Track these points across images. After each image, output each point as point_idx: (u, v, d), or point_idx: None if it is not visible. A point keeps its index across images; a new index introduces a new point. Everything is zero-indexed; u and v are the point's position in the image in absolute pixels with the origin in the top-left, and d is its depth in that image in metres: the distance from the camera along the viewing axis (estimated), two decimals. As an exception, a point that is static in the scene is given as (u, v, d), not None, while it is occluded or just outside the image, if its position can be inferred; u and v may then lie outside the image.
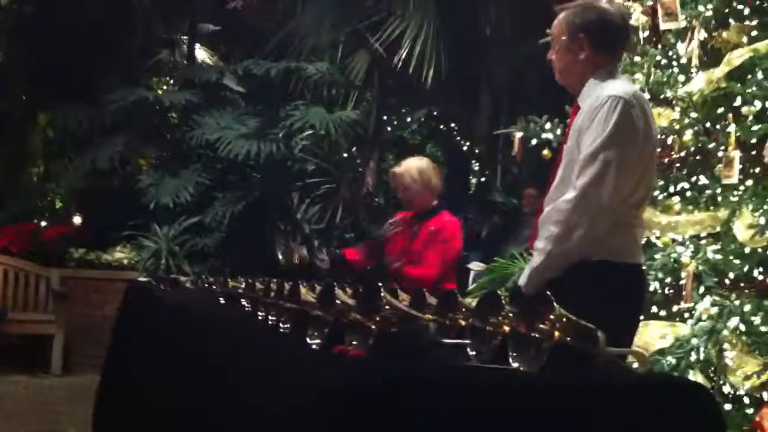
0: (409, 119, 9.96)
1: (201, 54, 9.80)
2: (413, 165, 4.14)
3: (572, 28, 2.55)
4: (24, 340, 6.39)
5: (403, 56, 7.60)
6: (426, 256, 3.98)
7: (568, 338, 1.46)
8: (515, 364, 1.47)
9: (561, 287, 2.17)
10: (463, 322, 1.66)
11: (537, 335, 1.50)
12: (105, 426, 4.04)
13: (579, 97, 2.57)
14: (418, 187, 4.08)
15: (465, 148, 10.65)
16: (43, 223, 7.45)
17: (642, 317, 3.45)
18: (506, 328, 1.55)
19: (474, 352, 1.55)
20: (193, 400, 2.29)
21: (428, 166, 4.17)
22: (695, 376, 3.04)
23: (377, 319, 1.58)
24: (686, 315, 3.39)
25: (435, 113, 10.26)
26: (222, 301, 2.76)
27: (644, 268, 3.53)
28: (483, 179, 10.46)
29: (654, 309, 3.46)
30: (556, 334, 1.45)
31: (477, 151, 10.48)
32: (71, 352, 6.42)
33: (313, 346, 1.66)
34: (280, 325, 1.97)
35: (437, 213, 4.11)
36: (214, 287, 3.06)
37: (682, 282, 3.40)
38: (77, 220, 7.58)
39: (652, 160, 2.56)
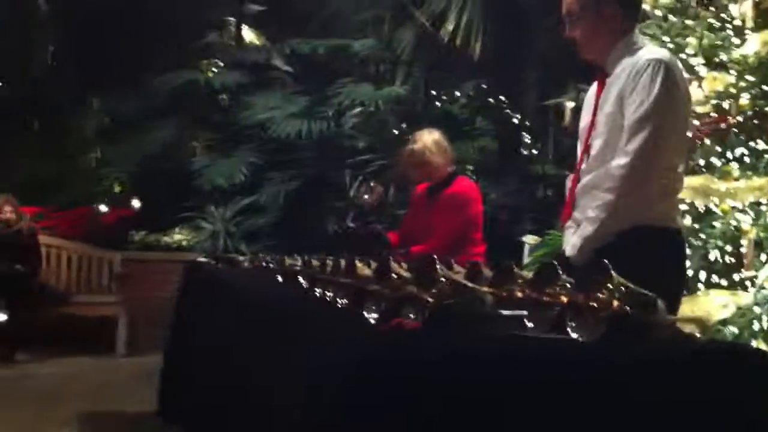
0: (457, 93, 9.89)
1: (248, 35, 9.86)
2: (428, 139, 4.13)
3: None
4: (88, 322, 6.55)
5: (450, 30, 7.53)
6: (435, 229, 3.97)
7: (628, 307, 1.45)
8: (574, 335, 1.47)
9: (609, 254, 2.16)
10: (520, 294, 1.66)
11: (596, 305, 1.49)
12: (170, 404, 4.14)
13: (608, 65, 2.52)
14: (439, 161, 4.08)
15: (515, 120, 10.54)
16: (103, 208, 7.61)
17: (701, 286, 3.42)
18: (564, 299, 1.54)
19: (532, 324, 1.55)
20: (253, 378, 2.34)
21: (440, 137, 4.18)
22: (758, 345, 2.99)
23: (433, 291, 1.59)
24: (748, 283, 3.32)
25: (484, 86, 10.17)
26: (279, 278, 2.80)
27: (702, 236, 3.49)
28: (534, 151, 10.36)
29: (715, 278, 3.40)
30: (615, 303, 1.44)
31: (527, 123, 10.37)
32: (135, 333, 6.56)
33: (371, 320, 1.68)
34: (338, 300, 1.99)
35: (453, 180, 4.11)
36: (272, 265, 3.10)
37: (743, 250, 3.34)
38: (136, 203, 7.74)
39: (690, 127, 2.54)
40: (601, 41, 2.53)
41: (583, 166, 2.55)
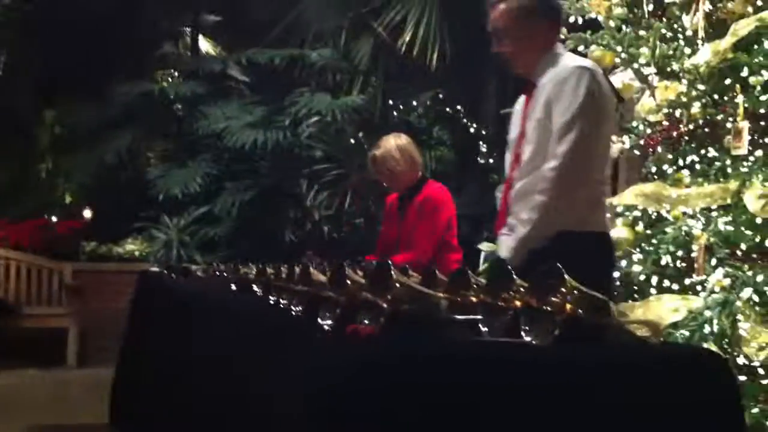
0: (414, 103, 9.93)
1: (204, 45, 9.79)
2: (392, 145, 4.06)
3: (521, 12, 2.57)
4: (39, 334, 6.43)
5: (407, 40, 7.56)
6: (415, 238, 3.92)
7: (581, 310, 1.46)
8: (528, 339, 1.47)
9: (541, 259, 2.20)
10: (474, 299, 1.66)
11: (549, 309, 1.50)
12: (122, 416, 4.07)
13: (534, 75, 2.60)
14: (402, 167, 4.02)
15: (472, 130, 10.60)
16: (54, 218, 7.48)
17: (653, 290, 3.46)
18: (518, 303, 1.55)
19: (486, 328, 1.55)
20: (207, 388, 2.30)
21: (406, 142, 4.11)
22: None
23: (388, 297, 1.58)
24: (699, 288, 3.37)
25: (440, 96, 10.22)
26: (233, 287, 2.77)
27: (654, 241, 3.53)
28: (491, 161, 10.42)
29: (666, 282, 3.44)
30: (568, 306, 1.45)
31: (484, 132, 10.44)
32: (86, 345, 6.47)
33: (325, 327, 1.66)
34: (292, 307, 1.97)
35: (422, 185, 4.04)
36: (225, 274, 3.06)
37: (694, 255, 3.38)
38: (88, 214, 7.61)
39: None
40: (528, 55, 2.61)
41: (515, 173, 2.61)
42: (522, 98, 2.70)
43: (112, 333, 4.75)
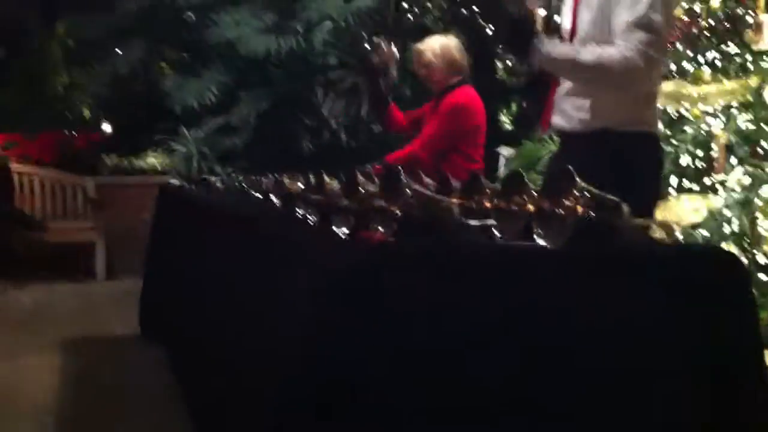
0: (429, 5, 9.70)
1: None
2: (436, 42, 4.01)
3: None
4: (65, 248, 6.54)
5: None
6: (418, 137, 3.88)
7: (592, 212, 1.47)
8: (541, 242, 1.48)
9: (591, 158, 2.18)
10: (488, 204, 1.67)
11: (561, 211, 1.51)
12: (152, 325, 4.18)
13: None
14: (439, 64, 3.95)
15: (489, 31, 10.38)
16: (73, 132, 7.49)
17: (673, 191, 3.45)
18: (531, 207, 1.55)
19: (500, 233, 1.56)
20: (228, 294, 2.36)
21: (452, 44, 4.02)
22: (729, 248, 3.03)
23: (400, 204, 1.59)
24: (718, 187, 3.35)
25: (456, -3, 9.98)
26: (252, 198, 2.80)
27: (674, 141, 3.50)
28: (509, 63, 10.24)
29: (686, 183, 3.43)
30: (579, 208, 1.45)
31: (501, 34, 10.21)
32: (113, 258, 6.57)
33: (340, 234, 1.68)
34: (307, 217, 1.99)
35: (454, 89, 3.94)
36: (244, 186, 3.09)
37: (714, 154, 3.36)
38: (107, 127, 7.62)
39: None
40: None
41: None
42: None
43: (138, 245, 4.81)
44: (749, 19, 3.48)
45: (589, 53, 2.30)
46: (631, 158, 2.34)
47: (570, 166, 1.49)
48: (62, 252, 6.52)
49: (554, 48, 2.35)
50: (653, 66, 2.32)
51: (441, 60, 3.95)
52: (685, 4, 3.74)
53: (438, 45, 3.99)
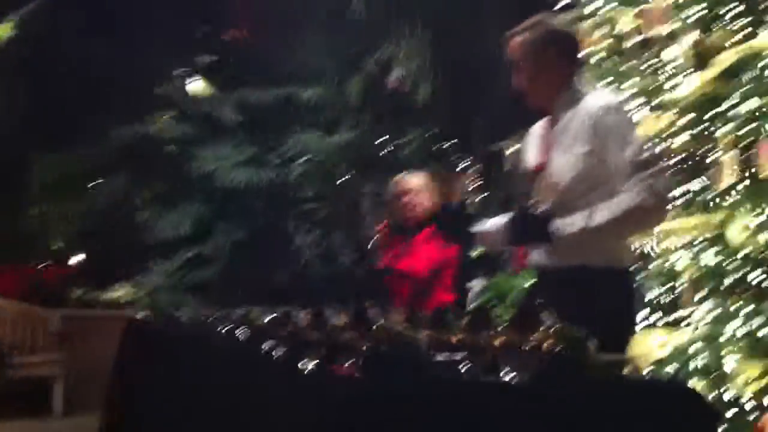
0: (406, 140, 9.96)
1: (199, 85, 9.77)
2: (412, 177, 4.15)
3: (538, 46, 2.53)
4: (25, 383, 6.33)
5: (398, 77, 7.63)
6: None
7: (560, 347, 1.45)
8: (508, 378, 1.46)
9: (565, 292, 2.18)
10: (455, 338, 1.65)
11: (529, 347, 1.49)
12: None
13: (555, 110, 2.53)
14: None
15: (462, 166, 10.64)
16: (43, 265, 7.43)
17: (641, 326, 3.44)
18: (498, 342, 1.54)
19: (467, 368, 1.54)
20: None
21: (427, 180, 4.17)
22: (696, 385, 3.00)
23: (368, 338, 1.58)
24: (684, 323, 3.36)
25: (432, 133, 10.26)
26: (219, 333, 2.75)
27: (639, 276, 3.53)
28: (484, 196, 10.44)
29: (652, 318, 3.43)
30: (546, 344, 1.44)
31: (476, 168, 10.47)
32: (74, 393, 6.36)
33: (307, 370, 1.66)
34: (274, 353, 1.96)
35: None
36: (210, 320, 3.04)
37: (679, 289, 3.38)
38: (77, 259, 7.55)
39: None
40: (548, 88, 2.54)
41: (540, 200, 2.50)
42: (537, 126, 2.65)
43: (100, 380, 4.67)
44: (712, 158, 3.60)
45: (600, 214, 2.33)
46: (603, 292, 2.35)
47: (541, 300, 1.50)
48: (21, 387, 6.30)
49: (563, 229, 2.38)
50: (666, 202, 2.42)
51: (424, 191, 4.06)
52: (648, 144, 3.86)
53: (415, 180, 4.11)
